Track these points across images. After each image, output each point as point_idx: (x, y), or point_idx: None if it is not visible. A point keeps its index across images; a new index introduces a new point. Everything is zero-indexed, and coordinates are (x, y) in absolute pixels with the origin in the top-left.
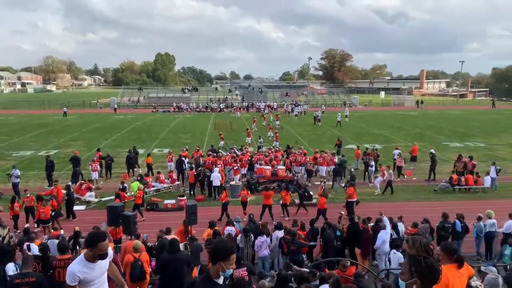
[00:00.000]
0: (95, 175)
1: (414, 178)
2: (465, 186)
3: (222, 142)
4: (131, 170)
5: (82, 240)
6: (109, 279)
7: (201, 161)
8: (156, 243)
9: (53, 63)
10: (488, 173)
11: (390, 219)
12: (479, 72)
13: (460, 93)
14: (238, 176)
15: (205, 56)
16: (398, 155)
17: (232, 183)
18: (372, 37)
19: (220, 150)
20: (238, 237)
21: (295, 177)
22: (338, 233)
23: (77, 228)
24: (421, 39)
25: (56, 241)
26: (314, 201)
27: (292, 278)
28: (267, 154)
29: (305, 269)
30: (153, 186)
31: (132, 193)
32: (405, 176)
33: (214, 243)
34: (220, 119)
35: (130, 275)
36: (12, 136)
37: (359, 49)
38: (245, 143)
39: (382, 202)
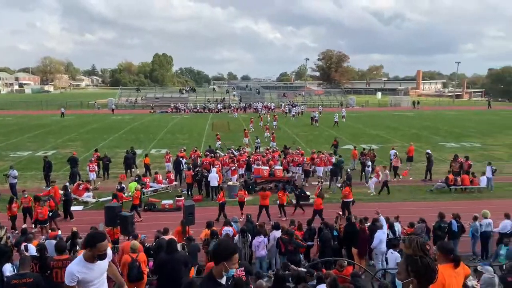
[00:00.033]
0: (92, 176)
1: (410, 178)
2: (461, 186)
3: (218, 143)
4: (128, 171)
5: (79, 241)
6: (109, 279)
7: (199, 161)
8: (154, 244)
9: (51, 64)
10: (484, 173)
11: (387, 219)
12: (475, 73)
13: (456, 93)
14: (236, 176)
15: (203, 57)
16: (394, 155)
17: (230, 183)
18: (369, 38)
19: (217, 151)
20: (236, 237)
21: (294, 177)
22: (335, 233)
23: (74, 229)
24: (417, 40)
25: (54, 241)
26: (311, 201)
27: (290, 278)
28: (265, 154)
29: (303, 269)
30: (150, 187)
31: (130, 193)
32: (401, 177)
33: (216, 243)
34: (218, 119)
35: (127, 275)
36: (10, 136)
37: (356, 50)
38: (243, 143)
39: (378, 202)
